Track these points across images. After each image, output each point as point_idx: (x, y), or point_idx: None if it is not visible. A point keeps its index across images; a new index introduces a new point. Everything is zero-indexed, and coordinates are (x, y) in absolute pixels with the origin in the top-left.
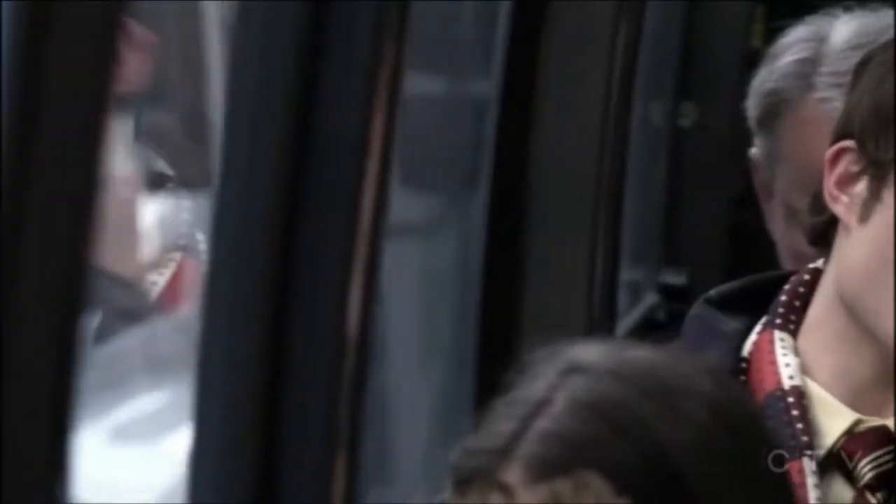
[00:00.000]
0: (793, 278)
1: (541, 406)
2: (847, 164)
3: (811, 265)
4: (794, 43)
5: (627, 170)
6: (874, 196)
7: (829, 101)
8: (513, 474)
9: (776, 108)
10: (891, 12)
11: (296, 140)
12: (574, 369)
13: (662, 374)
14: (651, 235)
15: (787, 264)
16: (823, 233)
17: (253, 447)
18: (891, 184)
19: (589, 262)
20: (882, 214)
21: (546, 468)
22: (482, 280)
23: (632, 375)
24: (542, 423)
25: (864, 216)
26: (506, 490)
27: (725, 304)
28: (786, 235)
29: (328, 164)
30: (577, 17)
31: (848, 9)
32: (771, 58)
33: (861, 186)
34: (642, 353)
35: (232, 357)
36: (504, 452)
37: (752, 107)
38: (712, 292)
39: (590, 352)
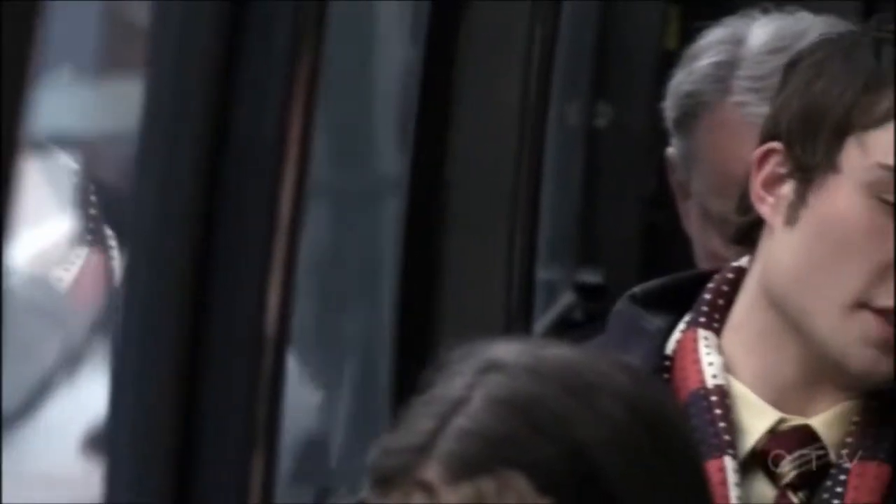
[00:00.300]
0: (717, 277)
1: (459, 404)
2: (774, 166)
3: (734, 264)
4: (711, 45)
5: (544, 169)
6: (801, 199)
7: (745, 104)
8: (432, 472)
9: (693, 110)
10: (808, 15)
11: (213, 140)
12: (492, 367)
13: (580, 370)
14: (567, 235)
15: (702, 264)
16: (748, 232)
17: (169, 446)
18: (817, 187)
19: (506, 261)
20: (808, 218)
21: (464, 466)
22: (400, 279)
23: (549, 372)
24: (460, 421)
25: (791, 219)
26: (428, 489)
27: (649, 302)
28: (701, 235)
29: (246, 163)
30: (493, 17)
31: (765, 10)
32: (689, 59)
33: (787, 188)
34: (559, 351)
35: (148, 355)
36: (422, 450)
37: (669, 108)
38: (636, 290)
39: (507, 350)
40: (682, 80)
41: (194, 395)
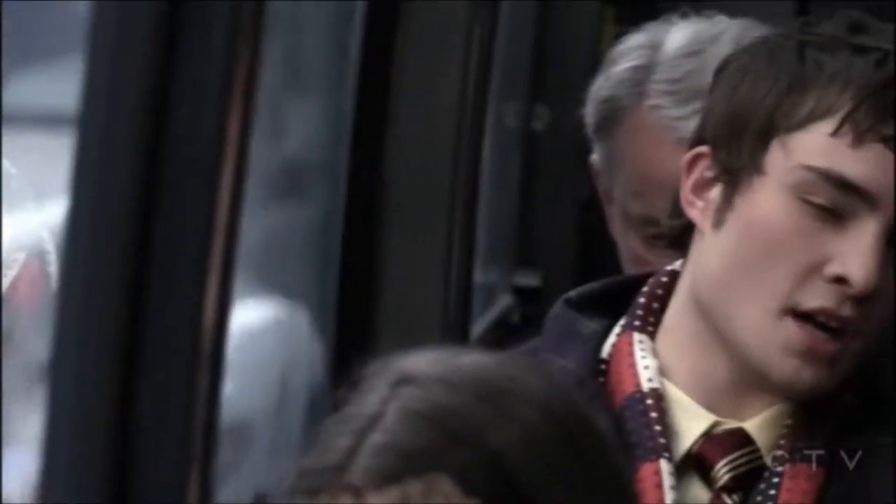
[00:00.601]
0: (651, 280)
1: (374, 420)
2: (702, 170)
3: (669, 267)
4: (630, 50)
5: (482, 171)
6: (727, 202)
7: (660, 107)
8: (351, 491)
9: (612, 115)
10: (725, 19)
11: (151, 140)
12: (404, 380)
13: (492, 378)
14: (505, 237)
15: (627, 268)
16: (681, 236)
17: (106, 449)
18: (743, 191)
19: (444, 264)
20: (734, 221)
21: (383, 482)
22: (338, 281)
23: (462, 382)
24: (376, 437)
25: (718, 222)
26: (356, 492)
27: (585, 306)
28: (625, 240)
29: (183, 164)
30: (431, 18)
31: (684, 15)
32: (608, 64)
33: (715, 192)
34: (471, 359)
35: (84, 365)
36: (340, 469)
37: (589, 113)
38: (572, 293)
39: (419, 361)
40: (600, 86)
41: (130, 407)
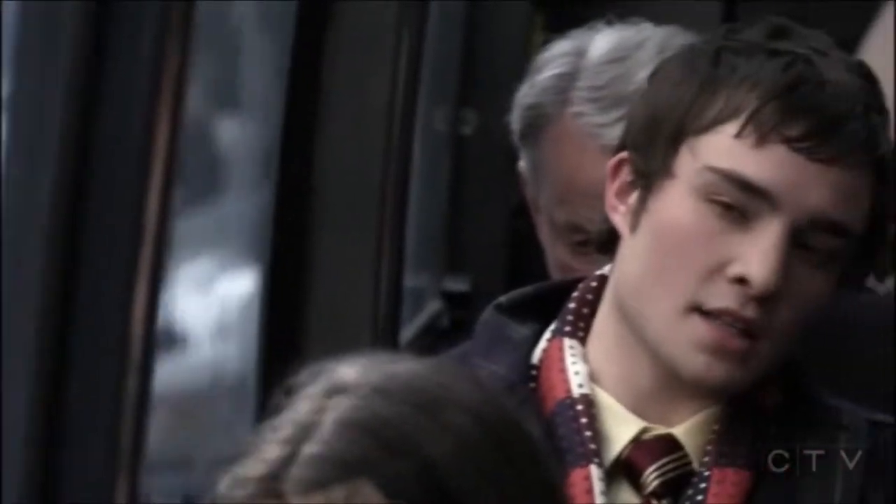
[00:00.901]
0: (581, 285)
1: (308, 429)
2: (624, 175)
3: (598, 272)
4: (554, 57)
5: (411, 175)
6: (642, 206)
7: (583, 114)
8: (285, 500)
9: (536, 123)
10: (649, 25)
11: (79, 141)
12: (339, 389)
13: (425, 386)
14: (434, 242)
15: (554, 275)
16: (607, 242)
17: (33, 459)
18: (656, 194)
19: (374, 268)
20: (648, 224)
21: (319, 491)
22: (267, 287)
23: (396, 390)
24: (312, 447)
25: (634, 226)
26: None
27: (515, 311)
28: (552, 247)
29: (112, 165)
30: (361, 19)
31: (609, 22)
32: (533, 72)
33: (634, 197)
34: (405, 367)
35: (12, 366)
36: (274, 479)
37: (515, 121)
38: (503, 298)
39: (353, 370)
40: (525, 93)
41: (60, 399)
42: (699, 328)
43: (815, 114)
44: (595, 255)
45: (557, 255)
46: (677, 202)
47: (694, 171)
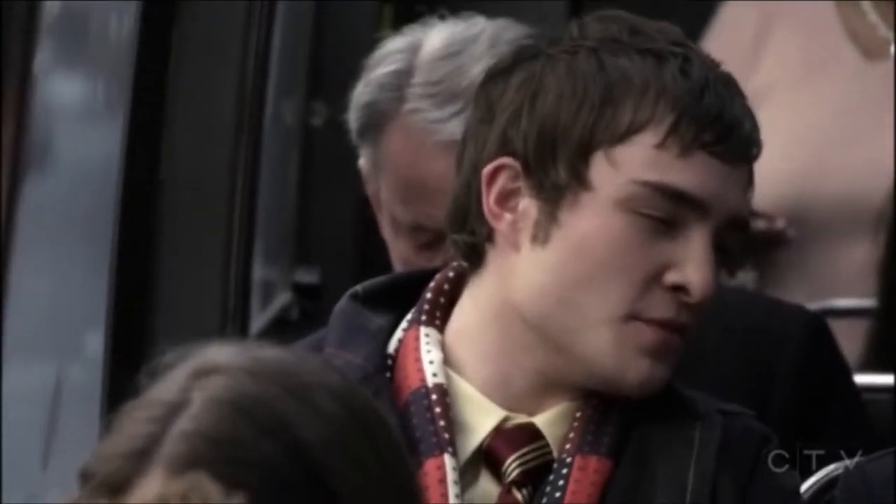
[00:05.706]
0: (438, 276)
1: (178, 407)
2: (506, 181)
3: (456, 263)
4: (389, 54)
5: (261, 168)
6: (551, 218)
7: (420, 111)
8: (154, 476)
9: (373, 120)
10: (481, 20)
11: None
12: (208, 370)
13: (296, 371)
14: (284, 234)
15: (397, 268)
16: (475, 248)
17: None
18: (569, 206)
19: (223, 262)
20: (563, 237)
21: (190, 468)
22: (114, 280)
23: (267, 373)
24: (183, 424)
25: (541, 238)
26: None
27: (371, 301)
28: (395, 244)
29: None
30: (208, 17)
31: (442, 17)
32: (368, 69)
33: (526, 205)
34: (274, 353)
35: None
36: (143, 455)
37: (352, 119)
38: (358, 288)
39: (223, 352)
40: (361, 91)
41: None
42: (644, 333)
43: (721, 118)
44: (438, 252)
45: (400, 252)
46: (600, 215)
47: (616, 184)
